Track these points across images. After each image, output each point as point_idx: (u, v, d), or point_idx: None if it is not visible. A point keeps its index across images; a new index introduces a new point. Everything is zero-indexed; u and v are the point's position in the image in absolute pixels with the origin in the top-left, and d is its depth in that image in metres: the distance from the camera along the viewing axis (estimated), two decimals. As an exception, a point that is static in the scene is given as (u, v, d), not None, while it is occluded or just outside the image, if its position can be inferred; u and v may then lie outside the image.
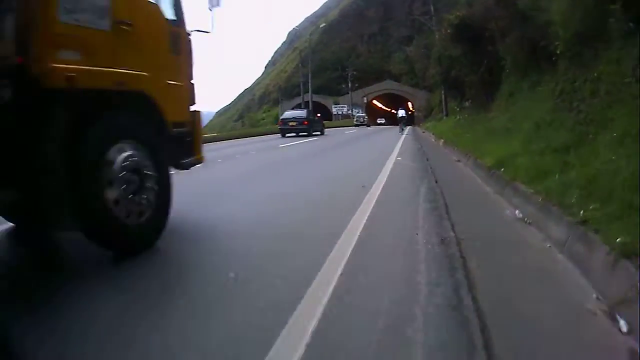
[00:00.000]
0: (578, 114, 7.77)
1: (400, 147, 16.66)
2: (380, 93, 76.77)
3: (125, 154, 3.53)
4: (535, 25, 12.38)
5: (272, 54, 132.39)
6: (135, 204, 3.62)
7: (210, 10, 5.23)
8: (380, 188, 6.98)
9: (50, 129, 3.12)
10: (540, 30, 11.75)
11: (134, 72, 3.86)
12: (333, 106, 75.30)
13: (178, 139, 4.54)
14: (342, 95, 77.46)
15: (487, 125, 14.17)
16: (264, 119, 78.93)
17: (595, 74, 7.79)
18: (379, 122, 70.13)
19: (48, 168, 3.10)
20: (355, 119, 61.66)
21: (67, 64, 3.23)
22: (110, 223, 3.41)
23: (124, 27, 3.76)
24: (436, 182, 7.54)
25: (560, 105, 9.11)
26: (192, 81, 4.93)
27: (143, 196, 3.70)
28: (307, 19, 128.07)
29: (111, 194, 3.39)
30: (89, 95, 3.38)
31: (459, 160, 11.42)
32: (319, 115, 36.34)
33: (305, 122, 29.40)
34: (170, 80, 4.43)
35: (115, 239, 3.53)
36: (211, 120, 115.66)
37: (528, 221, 4.58)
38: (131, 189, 3.57)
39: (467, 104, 28.01)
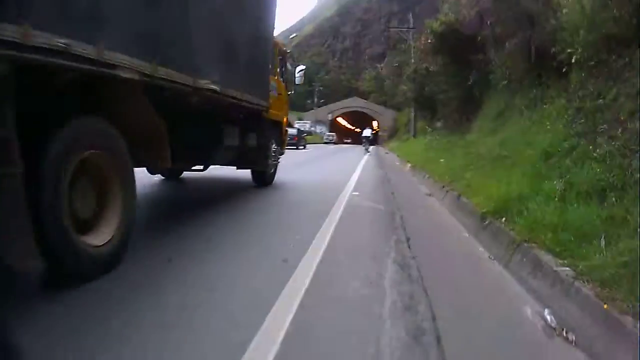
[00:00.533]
0: (610, 140, 5.49)
1: (360, 173, 13.51)
2: (346, 110, 73.70)
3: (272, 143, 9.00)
4: (544, 28, 9.73)
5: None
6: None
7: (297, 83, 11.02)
8: (315, 265, 3.69)
9: (266, 134, 8.65)
10: (551, 34, 9.13)
11: (278, 112, 9.54)
12: (296, 122, 72.31)
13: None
14: (307, 111, 74.63)
15: (468, 150, 11.38)
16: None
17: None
18: (345, 141, 68.82)
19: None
20: (325, 137, 63.55)
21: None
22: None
23: (278, 94, 9.45)
24: (409, 246, 4.60)
25: (578, 129, 6.69)
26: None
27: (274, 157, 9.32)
28: (282, 33, 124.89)
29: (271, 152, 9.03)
30: (270, 122, 8.83)
31: (430, 194, 8.86)
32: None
33: (295, 138, 32.36)
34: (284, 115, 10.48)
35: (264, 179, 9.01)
36: None
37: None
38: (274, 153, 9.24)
39: (439, 124, 25.65)
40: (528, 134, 8.63)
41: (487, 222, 4.93)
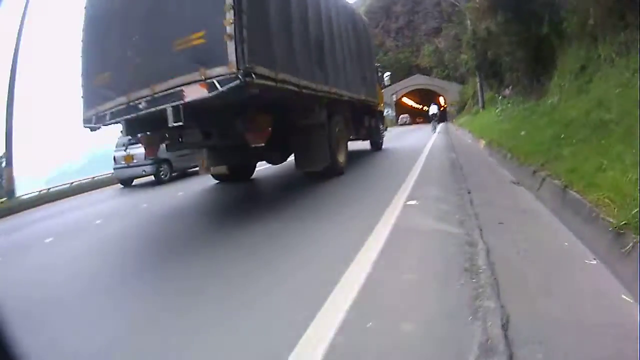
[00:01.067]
0: None
1: (424, 162, 11.23)
2: (410, 89, 70.99)
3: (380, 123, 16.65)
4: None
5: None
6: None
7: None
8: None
9: (377, 118, 16.25)
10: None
11: (380, 104, 16.91)
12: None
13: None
14: (370, 92, 72.88)
15: (552, 117, 9.51)
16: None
17: None
18: (417, 121, 68.71)
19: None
20: (399, 120, 65.62)
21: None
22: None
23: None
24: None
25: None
26: None
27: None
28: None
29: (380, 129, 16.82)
30: (378, 111, 16.57)
31: (517, 182, 6.87)
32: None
33: None
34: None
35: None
36: None
37: None
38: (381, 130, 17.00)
39: (507, 91, 23.66)
40: (633, 88, 6.75)
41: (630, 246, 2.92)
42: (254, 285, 3.64)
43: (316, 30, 8.37)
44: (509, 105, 18.32)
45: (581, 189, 4.20)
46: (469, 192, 6.43)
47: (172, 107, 5.57)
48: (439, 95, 65.19)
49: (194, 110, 5.76)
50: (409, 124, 62.03)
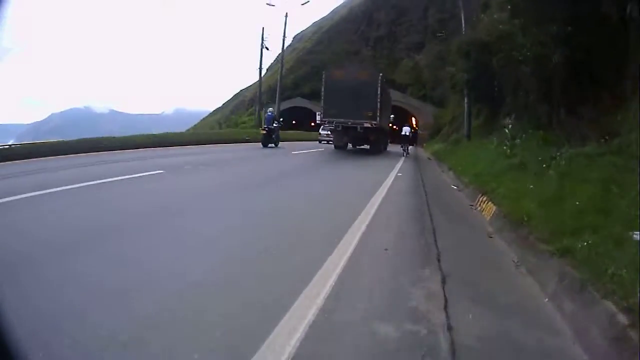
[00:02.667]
0: None
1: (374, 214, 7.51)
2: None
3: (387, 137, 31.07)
4: None
5: (274, 56, 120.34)
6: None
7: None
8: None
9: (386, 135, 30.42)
10: None
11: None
12: (317, 114, 63.08)
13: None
14: (335, 103, 66.34)
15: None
16: (244, 123, 67.86)
17: None
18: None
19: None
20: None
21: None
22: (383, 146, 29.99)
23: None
24: None
25: None
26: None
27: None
28: (314, 23, 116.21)
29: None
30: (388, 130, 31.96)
31: None
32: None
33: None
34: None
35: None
36: (204, 119, 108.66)
37: None
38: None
39: (507, 120, 17.28)
40: None
41: None
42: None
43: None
44: (522, 140, 11.86)
45: None
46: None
47: (359, 127, 23.08)
48: (412, 116, 59.12)
49: (357, 131, 23.52)
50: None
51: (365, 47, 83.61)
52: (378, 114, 22.54)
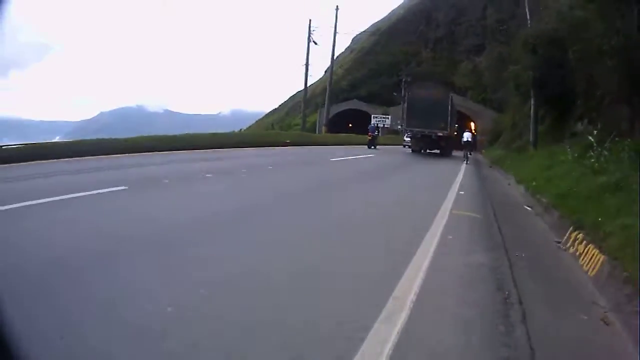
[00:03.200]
0: None
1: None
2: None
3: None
4: None
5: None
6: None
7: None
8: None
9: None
10: None
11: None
12: (373, 117, 62.10)
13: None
14: (396, 105, 64.70)
15: None
16: (298, 125, 67.48)
17: None
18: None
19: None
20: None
21: None
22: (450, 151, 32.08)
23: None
24: None
25: None
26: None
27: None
28: (373, 24, 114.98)
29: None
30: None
31: None
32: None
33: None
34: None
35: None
36: (259, 120, 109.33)
37: None
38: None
39: (579, 125, 16.09)
40: None
41: None
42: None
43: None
44: (605, 150, 10.56)
45: None
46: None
47: (434, 135, 28.42)
48: (471, 121, 57.41)
49: (432, 138, 28.76)
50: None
51: (425, 49, 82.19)
52: (448, 125, 28.42)
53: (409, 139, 35.75)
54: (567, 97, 18.51)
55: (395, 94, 63.73)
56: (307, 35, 41.77)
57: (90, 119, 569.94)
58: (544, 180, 11.58)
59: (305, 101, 42.34)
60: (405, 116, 30.06)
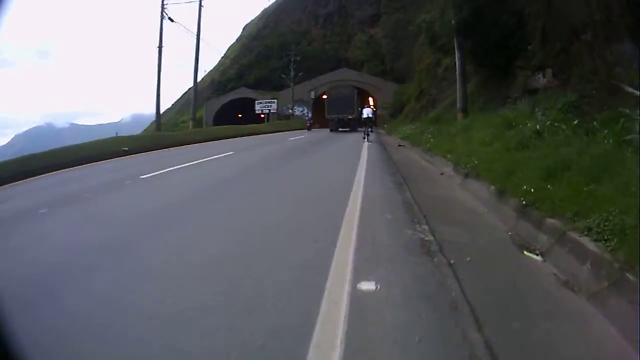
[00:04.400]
0: None
1: None
2: (335, 85, 56.92)
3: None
4: None
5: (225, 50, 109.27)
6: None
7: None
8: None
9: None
10: None
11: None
12: (257, 102, 57.07)
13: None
14: (285, 88, 58.02)
15: None
16: (184, 122, 59.43)
17: None
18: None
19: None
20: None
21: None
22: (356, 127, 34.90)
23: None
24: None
25: None
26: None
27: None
28: (263, 10, 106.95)
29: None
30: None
31: None
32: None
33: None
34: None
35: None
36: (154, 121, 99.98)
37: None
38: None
39: (540, 78, 10.31)
40: None
41: None
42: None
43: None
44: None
45: None
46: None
47: (345, 118, 37.82)
48: (369, 96, 51.83)
49: (345, 121, 37.70)
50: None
51: (315, 27, 75.72)
52: (355, 111, 36.35)
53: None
54: (508, 43, 12.73)
55: (283, 76, 57.16)
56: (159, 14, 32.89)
57: (6, 144, 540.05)
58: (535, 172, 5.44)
59: (158, 95, 33.49)
60: (327, 108, 40.10)
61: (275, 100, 55.28)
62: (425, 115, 26.33)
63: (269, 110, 55.75)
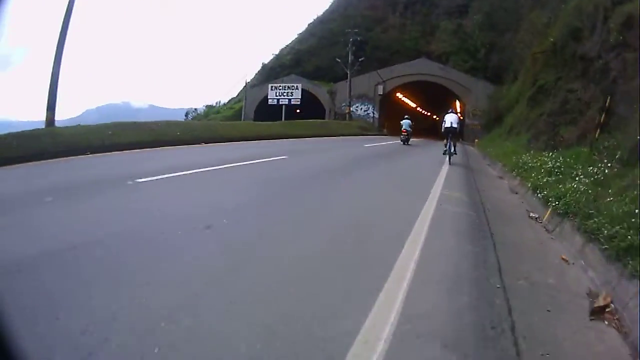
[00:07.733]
0: None
1: None
2: (408, 80, 44.25)
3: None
4: None
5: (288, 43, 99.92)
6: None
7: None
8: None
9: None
10: None
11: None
12: (270, 88, 45.39)
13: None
14: (345, 80, 46.12)
15: None
16: (219, 112, 49.36)
17: None
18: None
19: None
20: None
21: None
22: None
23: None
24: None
25: None
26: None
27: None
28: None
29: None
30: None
31: None
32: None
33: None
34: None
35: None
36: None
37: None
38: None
39: None
40: None
41: None
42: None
43: None
44: None
45: None
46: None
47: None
48: (456, 99, 39.34)
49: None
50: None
51: (392, 14, 63.32)
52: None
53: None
54: None
55: (338, 60, 45.32)
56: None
57: (76, 117, 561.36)
58: None
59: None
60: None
61: (298, 86, 44.06)
62: (557, 131, 13.29)
63: (289, 100, 43.79)
